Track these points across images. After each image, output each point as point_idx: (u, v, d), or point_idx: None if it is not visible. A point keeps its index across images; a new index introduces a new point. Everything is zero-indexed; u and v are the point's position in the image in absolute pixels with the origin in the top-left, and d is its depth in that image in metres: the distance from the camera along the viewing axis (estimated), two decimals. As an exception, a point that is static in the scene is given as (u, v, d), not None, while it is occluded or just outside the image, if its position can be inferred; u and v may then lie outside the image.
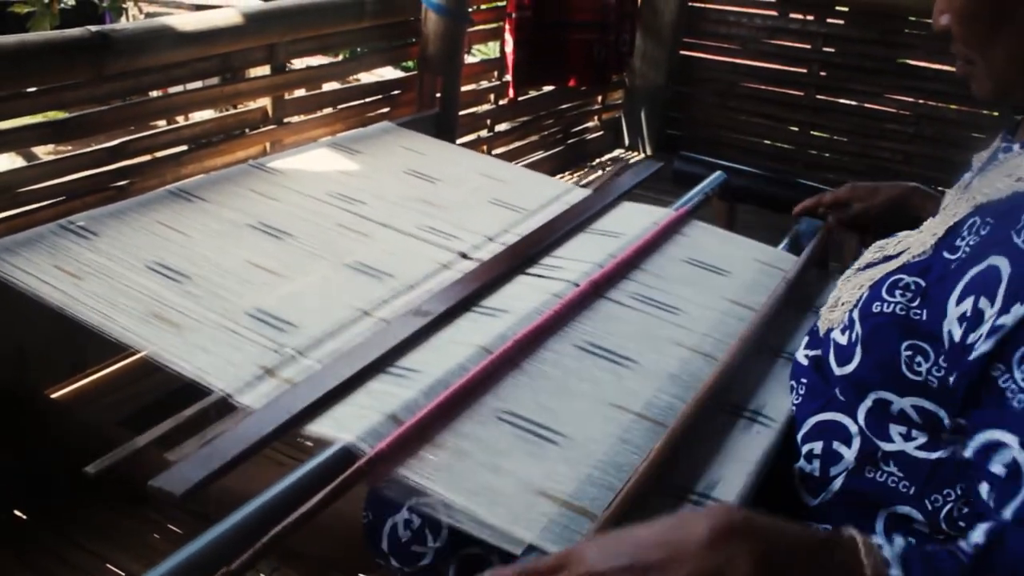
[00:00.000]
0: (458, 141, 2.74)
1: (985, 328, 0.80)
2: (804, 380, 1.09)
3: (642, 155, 3.95)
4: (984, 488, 0.78)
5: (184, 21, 1.72)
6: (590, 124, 3.81)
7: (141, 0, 8.54)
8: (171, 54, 1.72)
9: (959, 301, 0.85)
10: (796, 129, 3.92)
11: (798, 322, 1.36)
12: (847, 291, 1.07)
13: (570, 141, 3.62)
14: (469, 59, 2.95)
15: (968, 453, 0.80)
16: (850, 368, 0.98)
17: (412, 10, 2.29)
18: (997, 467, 0.76)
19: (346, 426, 0.99)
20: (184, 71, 1.79)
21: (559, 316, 1.24)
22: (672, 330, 1.29)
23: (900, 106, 3.71)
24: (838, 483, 0.97)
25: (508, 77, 2.92)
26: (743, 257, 1.56)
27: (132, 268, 1.29)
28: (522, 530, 0.88)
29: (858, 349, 0.97)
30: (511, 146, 3.21)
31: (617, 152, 3.94)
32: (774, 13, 3.80)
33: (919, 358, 0.89)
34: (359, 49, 2.42)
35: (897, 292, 0.94)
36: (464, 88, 2.77)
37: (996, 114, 3.51)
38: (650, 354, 1.21)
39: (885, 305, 0.94)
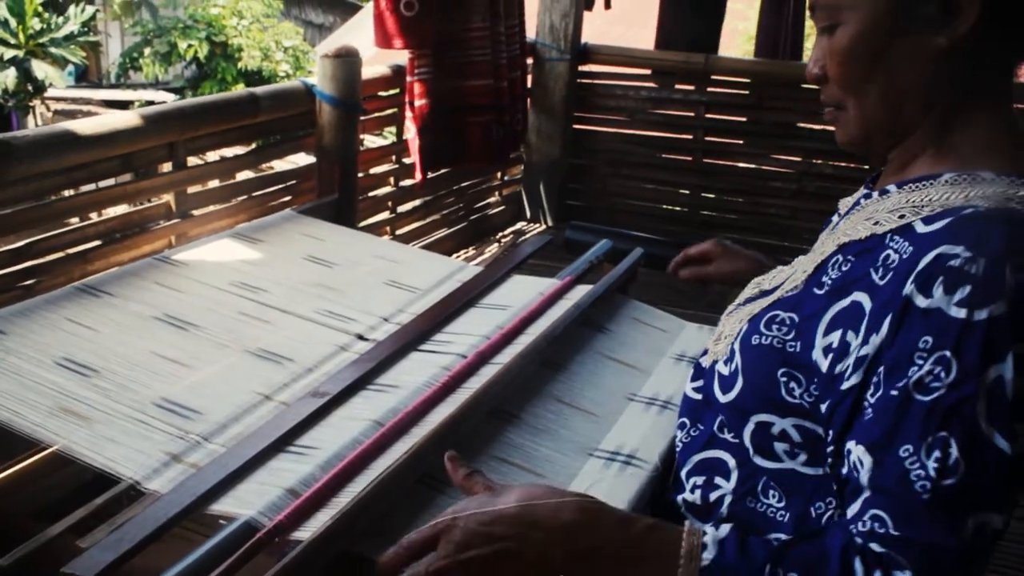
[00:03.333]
0: (362, 224, 2.84)
1: (851, 359, 0.94)
2: (692, 417, 1.18)
3: (543, 226, 4.10)
4: (845, 489, 0.93)
5: (84, 125, 1.80)
6: (492, 199, 3.95)
7: (48, 99, 8.55)
8: (73, 157, 1.80)
9: (825, 333, 0.98)
10: (687, 192, 4.13)
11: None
12: (729, 325, 1.19)
13: (473, 217, 3.75)
14: (369, 143, 3.07)
15: (844, 470, 0.93)
16: (732, 395, 1.09)
17: (306, 102, 2.41)
18: (851, 471, 0.91)
19: (247, 502, 1.08)
20: (85, 172, 1.87)
21: (447, 387, 1.34)
22: (552, 386, 1.41)
23: (783, 164, 3.94)
24: (723, 510, 1.08)
25: (413, 161, 3.04)
26: (624, 316, 1.70)
27: (41, 364, 1.35)
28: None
29: (739, 378, 1.08)
30: (414, 225, 3.33)
31: (520, 225, 4.09)
32: (656, 85, 4.02)
33: (792, 384, 1.01)
34: (256, 143, 2.52)
35: (774, 327, 1.05)
36: (364, 173, 2.89)
37: (867, 167, 3.76)
38: (531, 408, 1.33)
39: (763, 338, 1.06)
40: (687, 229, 3.96)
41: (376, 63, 2.92)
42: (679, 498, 1.13)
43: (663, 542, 0.89)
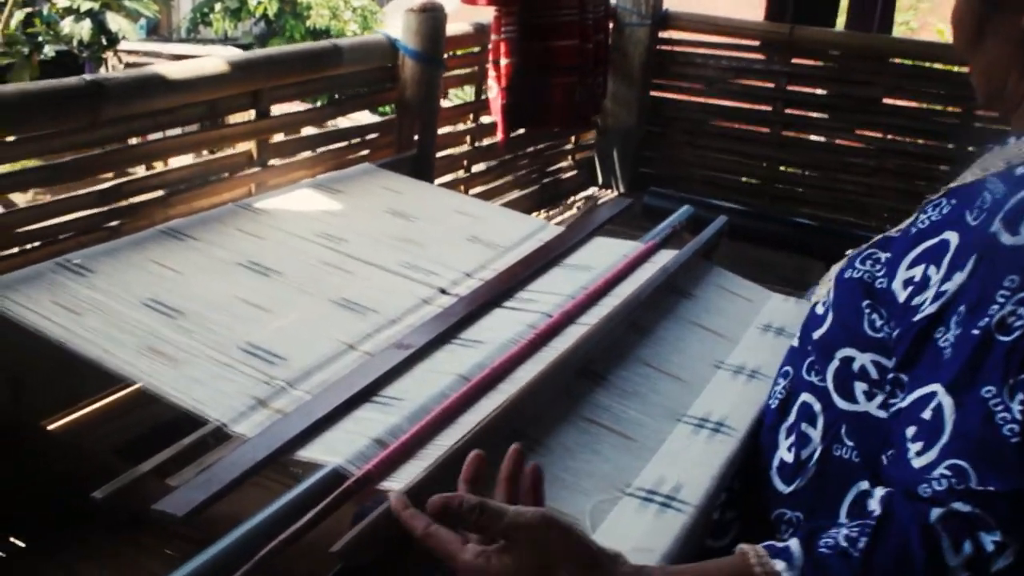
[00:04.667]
0: (436, 182, 2.82)
1: (930, 293, 0.91)
2: (794, 364, 1.14)
3: (615, 192, 4.04)
4: (911, 430, 0.87)
5: (173, 69, 1.80)
6: (564, 164, 3.91)
7: (120, 51, 8.63)
8: (160, 100, 1.80)
9: (910, 267, 0.96)
10: (763, 164, 4.03)
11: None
12: (835, 269, 1.17)
13: (545, 180, 3.71)
14: (445, 103, 3.04)
15: (903, 404, 0.89)
16: (822, 330, 1.08)
17: (389, 56, 2.38)
18: (926, 413, 0.86)
19: (335, 450, 1.06)
20: (171, 117, 1.86)
21: (533, 344, 1.32)
22: (639, 350, 1.37)
23: (863, 140, 3.83)
24: (812, 467, 1.04)
25: (494, 120, 3.00)
26: (709, 283, 1.65)
27: (128, 304, 1.35)
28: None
29: (830, 313, 1.07)
30: (488, 186, 3.30)
31: (591, 190, 4.04)
32: (738, 54, 3.92)
33: (875, 315, 0.99)
34: (337, 95, 2.50)
35: (868, 262, 1.04)
36: (441, 131, 2.86)
37: (952, 146, 3.64)
38: (618, 371, 1.30)
39: (855, 272, 1.05)
40: (762, 202, 3.88)
41: (457, 20, 2.88)
42: (776, 457, 1.10)
43: None
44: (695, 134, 4.06)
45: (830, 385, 1.04)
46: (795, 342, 1.18)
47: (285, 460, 1.09)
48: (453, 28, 2.70)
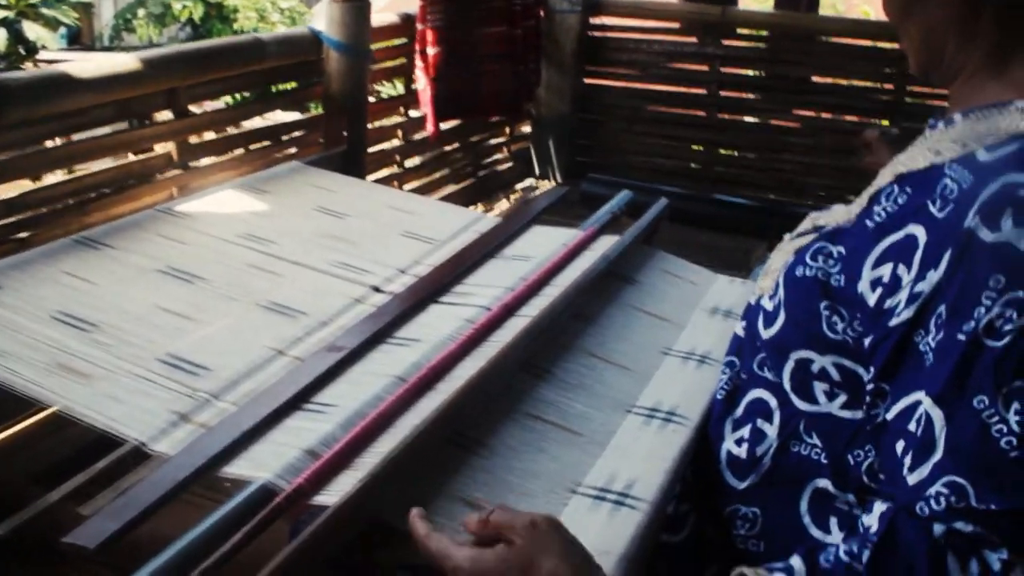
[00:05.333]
0: (369, 178, 2.74)
1: (904, 294, 0.85)
2: (739, 354, 1.11)
3: (552, 183, 4.00)
4: (900, 445, 0.83)
5: (82, 68, 1.70)
6: (500, 156, 3.85)
7: (40, 61, 8.35)
8: (69, 101, 1.70)
9: (875, 266, 0.90)
10: (701, 148, 4.02)
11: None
12: (777, 259, 1.12)
13: (481, 173, 3.65)
14: (374, 97, 2.97)
15: (889, 416, 0.85)
16: (774, 330, 1.02)
17: (314, 50, 2.30)
18: (912, 424, 0.81)
19: (263, 464, 0.99)
20: (83, 119, 1.77)
21: (472, 340, 1.26)
22: (583, 340, 1.32)
23: (799, 120, 3.83)
24: (766, 463, 1.01)
25: (425, 112, 2.93)
26: (652, 268, 1.61)
27: (37, 319, 1.26)
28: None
29: (781, 311, 1.01)
30: (422, 181, 3.23)
31: (528, 182, 3.99)
32: (671, 38, 3.90)
33: (835, 318, 0.94)
34: (262, 92, 2.41)
35: (820, 258, 0.98)
36: (372, 125, 2.79)
37: (886, 123, 3.65)
38: (563, 363, 1.24)
39: (808, 270, 0.98)
40: (702, 186, 3.85)
41: (385, 11, 2.80)
42: (723, 450, 1.05)
43: None
44: (631, 120, 4.03)
45: (787, 385, 0.99)
46: (739, 330, 1.14)
47: (212, 478, 1.01)
48: (379, 19, 2.63)
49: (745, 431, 1.04)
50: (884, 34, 3.54)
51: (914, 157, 0.97)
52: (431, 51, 2.78)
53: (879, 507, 0.80)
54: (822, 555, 0.78)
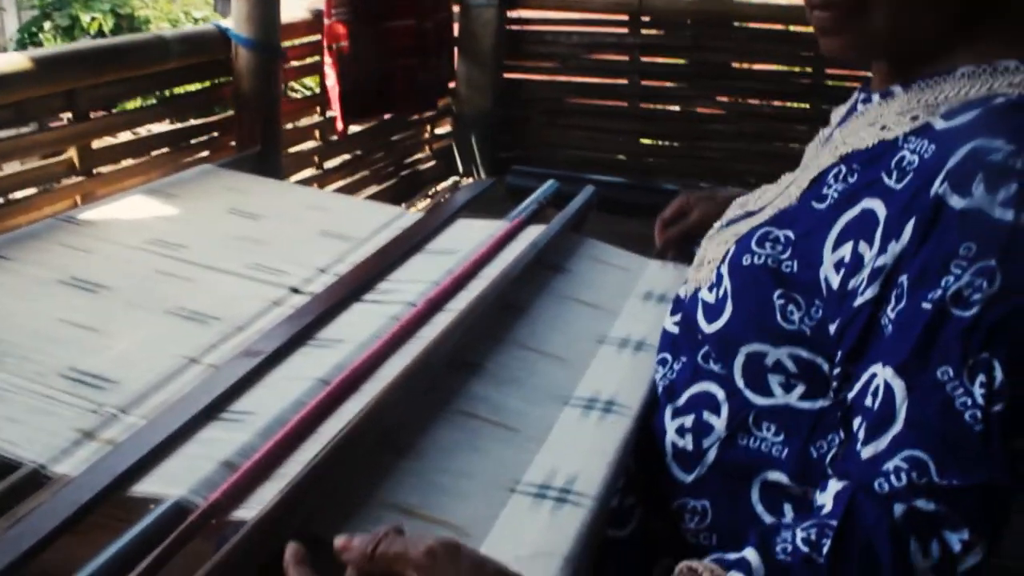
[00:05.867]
0: (286, 180, 2.66)
1: (866, 272, 0.81)
2: (674, 352, 1.07)
3: (476, 180, 3.95)
4: (856, 421, 0.78)
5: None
6: (421, 155, 3.78)
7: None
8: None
9: (835, 247, 0.85)
10: (624, 139, 4.01)
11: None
12: (712, 249, 1.06)
13: (403, 173, 3.58)
14: (290, 95, 2.88)
15: (852, 394, 0.80)
16: (720, 323, 0.96)
17: (222, 48, 2.20)
18: (868, 399, 0.77)
19: (176, 480, 0.92)
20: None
21: (397, 337, 1.19)
22: (515, 332, 1.27)
23: (720, 107, 3.85)
24: (712, 455, 0.96)
25: (334, 112, 2.85)
26: (582, 256, 1.56)
27: (-78, 340, 1.16)
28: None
29: (728, 303, 0.96)
30: (342, 182, 3.14)
31: (452, 180, 3.93)
32: (589, 29, 3.88)
33: (791, 307, 0.89)
34: (168, 92, 2.31)
35: (767, 244, 0.93)
36: (288, 126, 2.70)
37: (807, 106, 3.69)
38: (494, 356, 1.19)
39: (756, 257, 0.93)
40: (629, 177, 3.84)
41: (294, 7, 2.71)
42: (667, 443, 1.01)
43: None
44: (554, 114, 4.01)
45: (738, 379, 0.94)
46: (669, 326, 1.10)
47: (121, 498, 0.93)
48: (289, 15, 2.54)
49: (687, 420, 0.99)
50: (801, 18, 3.56)
51: (855, 134, 0.93)
52: (338, 45, 2.71)
53: (834, 485, 0.76)
54: (778, 544, 0.73)
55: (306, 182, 2.90)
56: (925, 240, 0.76)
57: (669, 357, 1.08)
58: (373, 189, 3.34)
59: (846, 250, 0.85)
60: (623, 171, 3.92)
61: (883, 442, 0.74)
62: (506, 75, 3.96)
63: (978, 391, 0.71)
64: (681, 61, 3.84)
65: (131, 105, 2.63)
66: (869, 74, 0.99)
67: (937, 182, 0.77)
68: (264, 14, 2.19)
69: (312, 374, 1.11)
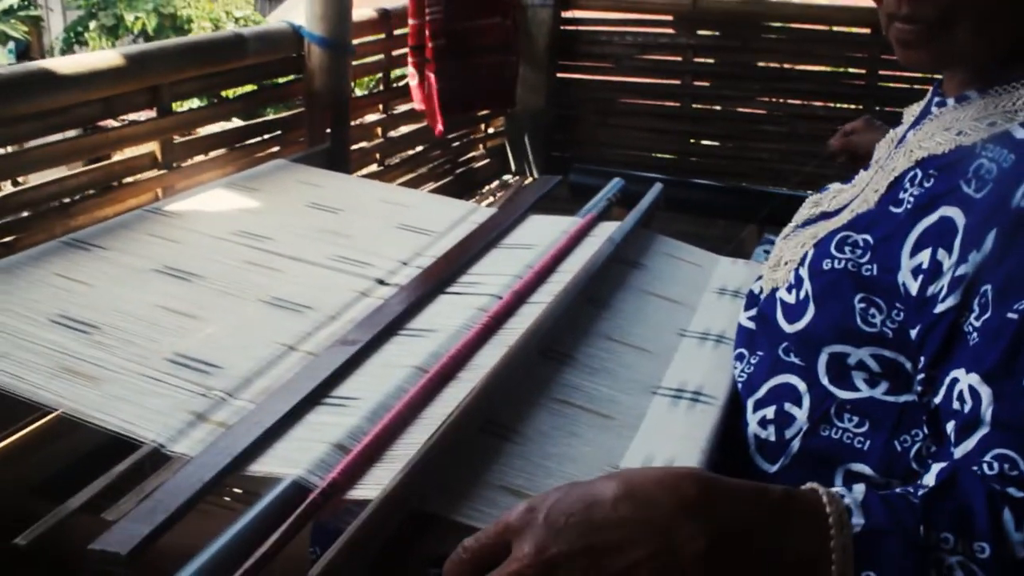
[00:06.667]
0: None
1: (946, 279, 0.82)
2: (751, 347, 1.09)
3: (530, 179, 3.97)
4: (949, 426, 0.80)
5: (61, 64, 1.64)
6: (476, 152, 3.82)
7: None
8: (48, 99, 1.64)
9: (912, 253, 0.87)
10: (677, 139, 4.02)
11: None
12: (788, 250, 1.09)
13: (458, 171, 3.62)
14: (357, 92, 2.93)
15: (938, 400, 0.82)
16: (802, 324, 0.98)
17: (295, 45, 2.25)
18: (956, 403, 0.79)
19: (292, 461, 0.95)
20: (63, 118, 1.70)
21: (488, 328, 1.23)
22: (599, 324, 1.29)
23: (772, 108, 3.84)
24: (795, 445, 0.98)
25: (421, 108, 2.89)
26: (655, 252, 1.59)
27: (33, 323, 1.21)
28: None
29: (810, 305, 0.97)
30: (401, 179, 3.18)
31: (505, 178, 3.96)
32: (644, 30, 3.89)
33: (872, 310, 0.91)
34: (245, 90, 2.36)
35: (847, 249, 0.95)
36: (352, 123, 2.74)
37: (860, 107, 3.68)
38: (582, 348, 1.21)
39: (836, 262, 0.95)
40: (678, 176, 3.85)
41: (358, 6, 2.75)
42: (749, 434, 1.03)
43: (805, 513, 0.72)
44: (606, 114, 4.02)
45: (821, 375, 0.96)
46: (745, 322, 1.11)
47: (236, 479, 0.97)
48: (357, 14, 2.58)
49: (769, 411, 1.01)
50: (858, 20, 3.56)
51: (930, 138, 0.94)
52: (432, 44, 2.74)
53: (936, 467, 0.78)
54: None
55: (368, 177, 2.94)
56: (1008, 251, 0.78)
57: (746, 352, 1.10)
58: (431, 186, 3.38)
59: (924, 256, 0.86)
60: (676, 171, 3.92)
61: (972, 442, 0.77)
62: (559, 75, 3.98)
63: None
64: (734, 61, 3.84)
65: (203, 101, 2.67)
66: (928, 75, 1.00)
67: (1019, 193, 0.78)
68: (336, 13, 2.23)
69: (410, 362, 1.14)
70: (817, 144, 3.65)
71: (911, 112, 1.09)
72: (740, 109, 3.88)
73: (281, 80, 2.34)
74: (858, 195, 1.05)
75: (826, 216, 1.10)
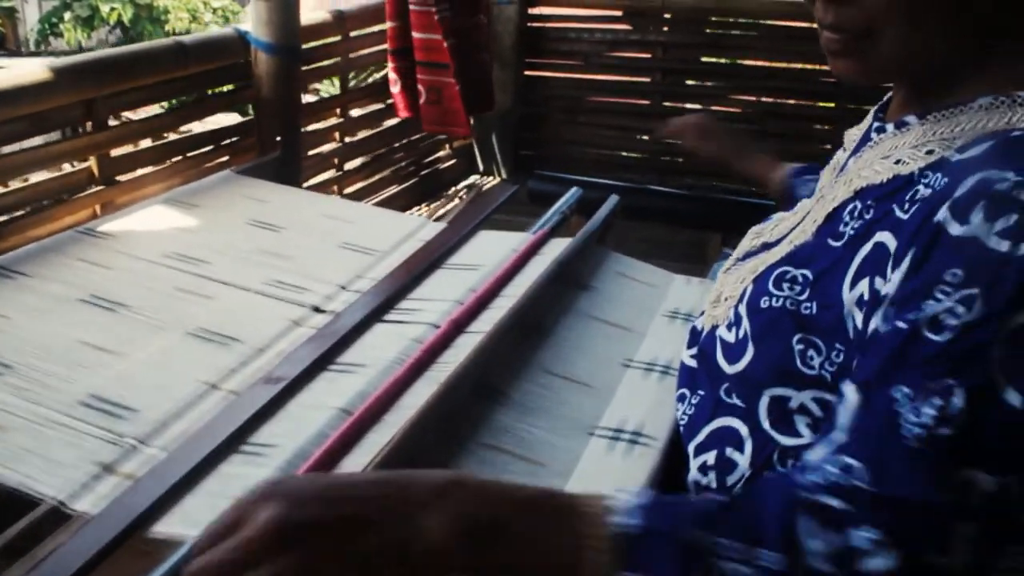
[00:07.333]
0: (307, 183, 2.64)
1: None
2: (692, 386, 1.04)
3: (498, 179, 3.91)
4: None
5: (-17, 82, 1.57)
6: (442, 153, 3.75)
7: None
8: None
9: (852, 286, 0.83)
10: (647, 137, 3.96)
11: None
12: (729, 285, 1.04)
13: (423, 173, 3.55)
14: (308, 97, 2.86)
15: None
16: (741, 365, 0.94)
17: (241, 52, 2.18)
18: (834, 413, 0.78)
19: (196, 520, 0.90)
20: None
21: (420, 363, 1.17)
22: (540, 355, 1.24)
23: (743, 105, 3.80)
24: (738, 493, 0.93)
25: (403, 114, 2.83)
26: (607, 271, 1.54)
27: (-60, 364, 1.15)
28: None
29: (749, 345, 0.93)
30: (362, 183, 3.11)
31: (473, 179, 3.90)
32: (612, 26, 3.83)
33: (811, 352, 0.86)
34: (187, 99, 2.29)
35: (784, 285, 0.90)
36: (309, 128, 2.68)
37: (832, 105, 3.63)
38: (518, 383, 1.16)
39: (773, 300, 0.90)
40: (649, 176, 3.80)
41: (313, 9, 2.69)
42: (689, 481, 0.98)
43: (560, 509, 0.71)
44: (575, 112, 3.96)
45: (762, 419, 0.91)
46: (688, 359, 1.07)
47: (139, 538, 0.92)
48: (309, 16, 2.52)
49: (710, 457, 0.96)
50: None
51: (869, 167, 0.90)
52: (448, 43, 2.68)
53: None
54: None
55: (325, 184, 2.87)
56: (920, 265, 0.74)
57: (688, 392, 1.05)
58: (393, 189, 3.31)
59: (863, 287, 0.81)
60: (645, 171, 3.87)
61: (822, 449, 0.74)
62: (527, 73, 3.92)
63: (928, 413, 0.69)
64: (704, 59, 3.79)
65: (152, 110, 2.60)
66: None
67: (942, 210, 0.74)
68: (283, 18, 2.16)
69: (334, 403, 1.09)
70: (791, 143, 3.63)
71: (851, 137, 1.05)
72: (713, 108, 3.83)
73: (228, 88, 2.26)
74: (798, 224, 1.01)
75: (767, 247, 1.05)
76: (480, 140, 3.92)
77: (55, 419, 1.08)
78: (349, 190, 3.01)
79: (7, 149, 1.79)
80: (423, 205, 3.49)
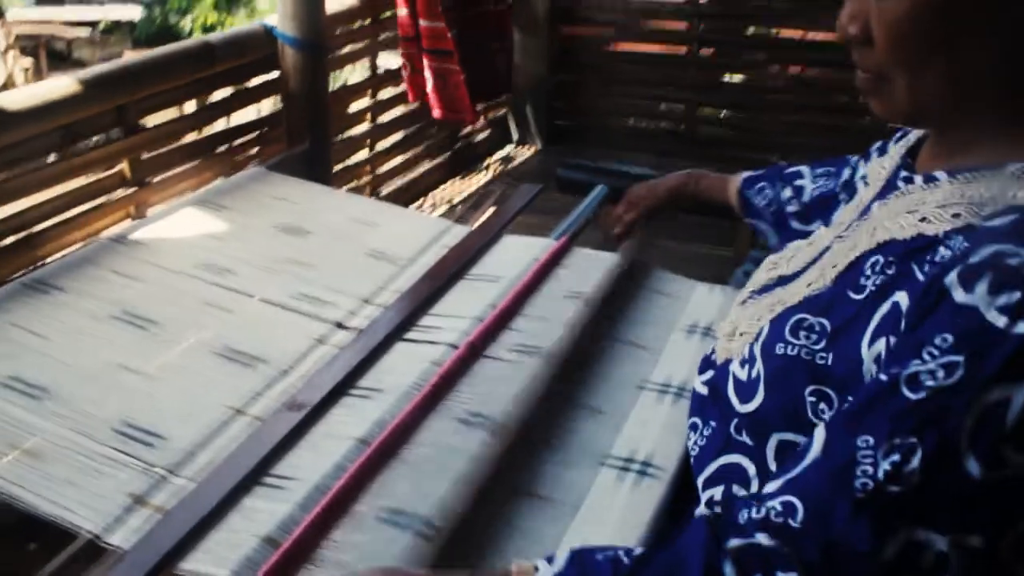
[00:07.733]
0: (339, 166, 2.67)
1: None
2: (704, 416, 1.07)
3: (533, 149, 3.91)
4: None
5: (13, 99, 1.61)
6: (476, 125, 3.75)
7: (9, 22, 8.01)
8: (3, 137, 1.61)
9: (871, 343, 0.84)
10: (683, 108, 3.93)
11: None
12: (745, 320, 1.05)
13: (457, 146, 3.56)
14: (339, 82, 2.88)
15: None
16: (752, 406, 0.96)
17: (267, 46, 2.20)
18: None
19: (220, 558, 0.95)
20: (24, 151, 1.67)
21: (437, 389, 1.21)
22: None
23: (782, 77, 3.75)
24: None
25: (428, 100, 2.86)
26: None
27: (-14, 389, 1.21)
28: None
29: (761, 387, 0.95)
30: (397, 160, 3.14)
31: (507, 149, 3.90)
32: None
33: (822, 404, 0.88)
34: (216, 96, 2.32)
35: (801, 334, 0.92)
36: (339, 113, 2.70)
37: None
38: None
39: (789, 348, 0.92)
40: (685, 147, 3.76)
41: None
42: (697, 515, 1.01)
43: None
44: (609, 81, 3.94)
45: (770, 460, 0.94)
46: (699, 387, 1.09)
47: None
48: (337, 4, 2.53)
49: (717, 492, 0.99)
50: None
51: (894, 219, 0.90)
52: (455, 34, 2.69)
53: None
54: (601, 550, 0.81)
55: (358, 166, 2.90)
56: (918, 325, 0.76)
57: (699, 422, 1.07)
58: (427, 165, 3.33)
59: (880, 346, 0.83)
60: (682, 142, 3.84)
61: (778, 482, 0.78)
62: (561, 41, 3.89)
63: (884, 467, 0.72)
64: (743, 29, 3.74)
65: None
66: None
67: (951, 274, 0.75)
68: (308, 11, 2.17)
69: (353, 432, 1.13)
70: (828, 116, 3.58)
71: (876, 174, 1.04)
72: (749, 78, 3.78)
73: (256, 82, 2.29)
74: (816, 259, 1.02)
75: (783, 281, 1.06)
76: (514, 110, 3.92)
77: (90, 447, 1.12)
78: (382, 169, 3.04)
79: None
80: (458, 178, 3.51)
